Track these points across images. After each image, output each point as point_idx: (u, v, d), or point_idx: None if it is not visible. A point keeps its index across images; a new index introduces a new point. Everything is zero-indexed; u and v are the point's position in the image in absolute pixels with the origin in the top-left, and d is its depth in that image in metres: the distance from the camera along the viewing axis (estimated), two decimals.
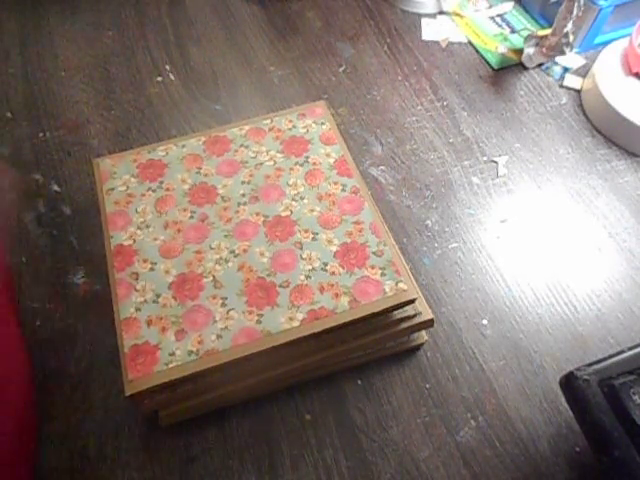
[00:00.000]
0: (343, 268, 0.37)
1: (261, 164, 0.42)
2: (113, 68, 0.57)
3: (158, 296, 0.36)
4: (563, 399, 0.34)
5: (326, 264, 0.37)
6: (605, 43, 0.59)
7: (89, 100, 0.55)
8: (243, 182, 0.41)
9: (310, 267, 0.37)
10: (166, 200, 0.40)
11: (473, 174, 0.51)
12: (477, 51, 0.61)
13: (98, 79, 0.56)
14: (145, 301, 0.36)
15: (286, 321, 0.35)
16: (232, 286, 0.36)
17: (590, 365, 0.33)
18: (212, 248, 0.38)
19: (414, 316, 0.38)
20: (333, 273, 0.37)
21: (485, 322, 0.43)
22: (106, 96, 0.55)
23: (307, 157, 0.42)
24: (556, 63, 0.60)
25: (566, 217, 0.49)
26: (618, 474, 0.30)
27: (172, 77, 0.57)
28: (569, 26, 0.55)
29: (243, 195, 0.40)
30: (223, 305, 0.36)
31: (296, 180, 0.41)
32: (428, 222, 0.48)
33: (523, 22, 0.64)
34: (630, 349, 0.34)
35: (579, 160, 0.53)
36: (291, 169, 0.42)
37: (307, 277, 0.37)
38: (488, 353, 0.41)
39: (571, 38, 0.56)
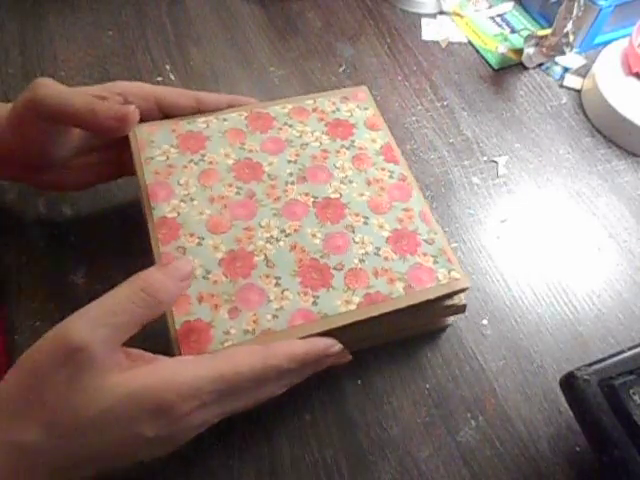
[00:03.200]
0: (396, 254, 0.36)
1: (307, 144, 0.41)
2: (113, 68, 0.57)
3: (208, 272, 0.35)
4: (563, 399, 0.34)
5: (379, 249, 0.37)
6: (605, 43, 0.59)
7: None
8: (289, 161, 0.40)
9: (363, 251, 0.37)
10: (210, 174, 0.39)
11: (473, 174, 0.51)
12: (477, 51, 0.61)
13: (98, 79, 0.56)
14: (194, 277, 0.34)
15: (342, 304, 0.34)
16: (285, 266, 0.35)
17: (590, 365, 0.33)
18: (262, 226, 0.37)
19: (457, 303, 0.38)
20: (386, 258, 0.36)
21: (485, 322, 0.43)
22: None
23: (353, 141, 0.42)
24: (556, 63, 0.60)
25: (566, 217, 0.49)
26: (618, 474, 0.30)
27: (172, 77, 0.57)
28: (569, 26, 0.55)
29: (290, 174, 0.40)
30: (277, 285, 0.35)
31: (343, 163, 0.40)
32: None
33: (523, 22, 0.64)
34: (630, 349, 0.34)
35: (579, 160, 0.53)
36: (337, 152, 0.41)
37: (361, 261, 0.36)
38: (488, 353, 0.41)
39: (571, 38, 0.56)
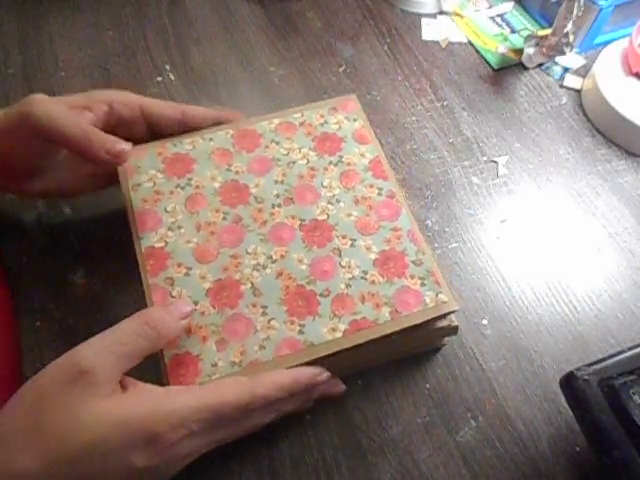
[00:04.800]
0: (383, 277, 0.36)
1: (294, 162, 0.41)
2: (113, 68, 0.57)
3: (196, 303, 0.35)
4: (563, 399, 0.34)
5: (366, 272, 0.36)
6: (605, 43, 0.59)
7: None
8: (276, 181, 0.40)
9: (350, 275, 0.36)
10: (196, 199, 0.39)
11: (473, 174, 0.51)
12: (477, 51, 0.61)
13: (98, 79, 0.56)
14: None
15: (328, 332, 0.34)
16: (271, 294, 0.35)
17: (590, 365, 0.33)
18: (249, 253, 0.37)
19: (447, 325, 0.37)
20: (373, 282, 0.36)
21: (485, 322, 0.43)
22: None
23: (341, 157, 0.41)
24: (556, 63, 0.60)
25: (566, 217, 0.49)
26: (618, 474, 0.30)
27: (172, 77, 0.57)
28: (569, 26, 0.55)
29: (277, 196, 0.39)
30: (264, 314, 0.35)
31: (331, 181, 0.40)
32: (428, 222, 0.48)
33: (523, 22, 0.64)
34: (630, 349, 0.34)
35: (579, 160, 0.53)
36: (325, 169, 0.40)
37: (347, 286, 0.36)
38: (488, 353, 0.41)
39: (571, 38, 0.56)
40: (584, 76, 0.58)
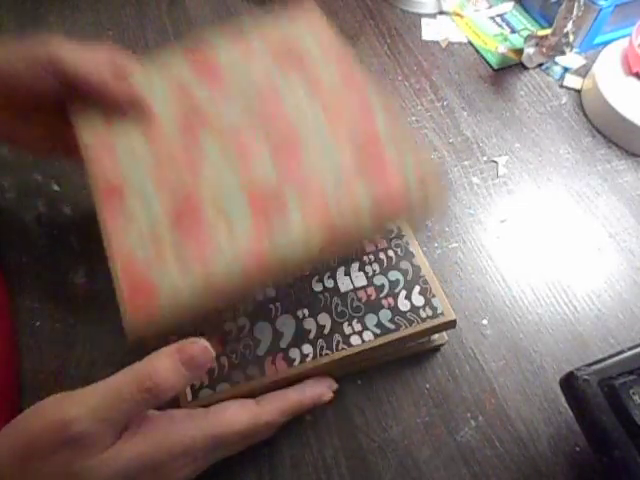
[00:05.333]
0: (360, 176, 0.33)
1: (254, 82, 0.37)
2: None
3: (153, 225, 0.32)
4: (563, 399, 0.34)
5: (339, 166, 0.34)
6: (605, 43, 0.59)
7: None
8: (237, 103, 0.36)
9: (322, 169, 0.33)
10: (153, 128, 0.36)
11: (473, 174, 0.51)
12: (477, 51, 0.61)
13: None
14: (141, 233, 0.32)
15: (298, 236, 0.31)
16: (235, 207, 0.33)
17: (590, 365, 0.33)
18: (209, 173, 0.34)
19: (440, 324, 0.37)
20: (349, 183, 0.33)
21: (485, 322, 0.43)
22: None
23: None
24: (556, 63, 0.60)
25: (566, 217, 0.49)
26: (618, 474, 0.30)
27: None
28: (569, 26, 0.55)
29: (240, 116, 0.36)
30: (227, 224, 0.32)
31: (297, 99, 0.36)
32: (428, 222, 0.48)
33: (523, 22, 0.64)
34: (630, 349, 0.34)
35: (579, 160, 0.53)
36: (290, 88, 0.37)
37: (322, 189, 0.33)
38: (488, 353, 0.41)
39: (571, 38, 0.56)
40: (584, 76, 0.58)
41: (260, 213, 0.32)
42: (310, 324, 0.37)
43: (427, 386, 0.40)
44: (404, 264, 0.39)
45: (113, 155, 0.35)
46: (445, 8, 0.64)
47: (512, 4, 0.65)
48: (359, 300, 0.38)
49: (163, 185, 0.34)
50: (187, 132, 0.36)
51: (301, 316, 0.37)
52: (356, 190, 0.32)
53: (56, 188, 0.48)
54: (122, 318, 0.30)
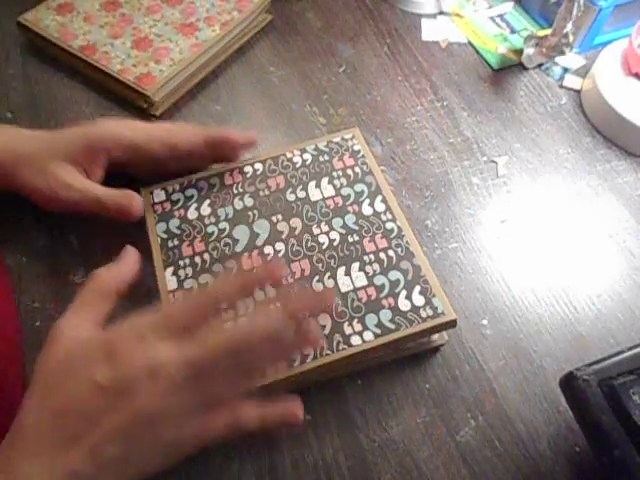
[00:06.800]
0: None
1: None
2: None
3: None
4: (563, 399, 0.34)
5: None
6: (605, 43, 0.59)
7: (89, 100, 0.55)
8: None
9: None
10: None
11: (473, 174, 0.51)
12: (477, 51, 0.61)
13: None
14: None
15: None
16: None
17: (590, 365, 0.33)
18: None
19: (440, 323, 0.38)
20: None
21: (485, 322, 0.43)
22: (106, 96, 0.55)
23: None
24: (556, 63, 0.60)
25: (566, 217, 0.49)
26: (618, 474, 0.30)
27: None
28: (569, 26, 0.55)
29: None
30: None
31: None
32: (428, 222, 0.48)
33: (523, 22, 0.64)
34: (630, 349, 0.34)
35: (579, 160, 0.53)
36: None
37: None
38: (488, 353, 0.41)
39: (571, 38, 0.56)
40: (584, 76, 0.58)
41: None
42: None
43: (427, 386, 0.40)
44: (404, 264, 0.39)
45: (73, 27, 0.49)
46: (445, 8, 0.64)
47: (512, 4, 0.65)
48: (359, 300, 0.38)
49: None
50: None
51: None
52: None
53: None
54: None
